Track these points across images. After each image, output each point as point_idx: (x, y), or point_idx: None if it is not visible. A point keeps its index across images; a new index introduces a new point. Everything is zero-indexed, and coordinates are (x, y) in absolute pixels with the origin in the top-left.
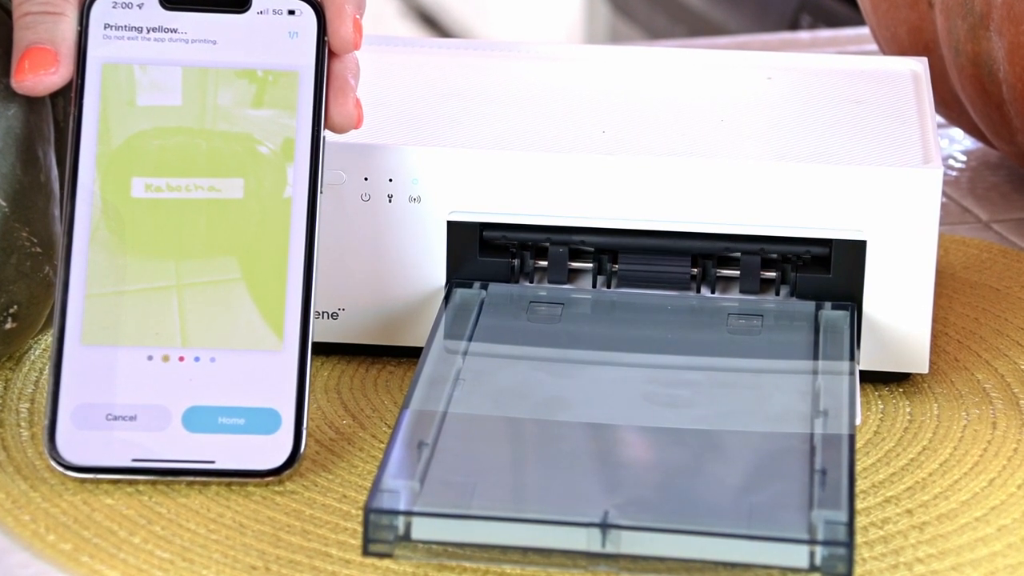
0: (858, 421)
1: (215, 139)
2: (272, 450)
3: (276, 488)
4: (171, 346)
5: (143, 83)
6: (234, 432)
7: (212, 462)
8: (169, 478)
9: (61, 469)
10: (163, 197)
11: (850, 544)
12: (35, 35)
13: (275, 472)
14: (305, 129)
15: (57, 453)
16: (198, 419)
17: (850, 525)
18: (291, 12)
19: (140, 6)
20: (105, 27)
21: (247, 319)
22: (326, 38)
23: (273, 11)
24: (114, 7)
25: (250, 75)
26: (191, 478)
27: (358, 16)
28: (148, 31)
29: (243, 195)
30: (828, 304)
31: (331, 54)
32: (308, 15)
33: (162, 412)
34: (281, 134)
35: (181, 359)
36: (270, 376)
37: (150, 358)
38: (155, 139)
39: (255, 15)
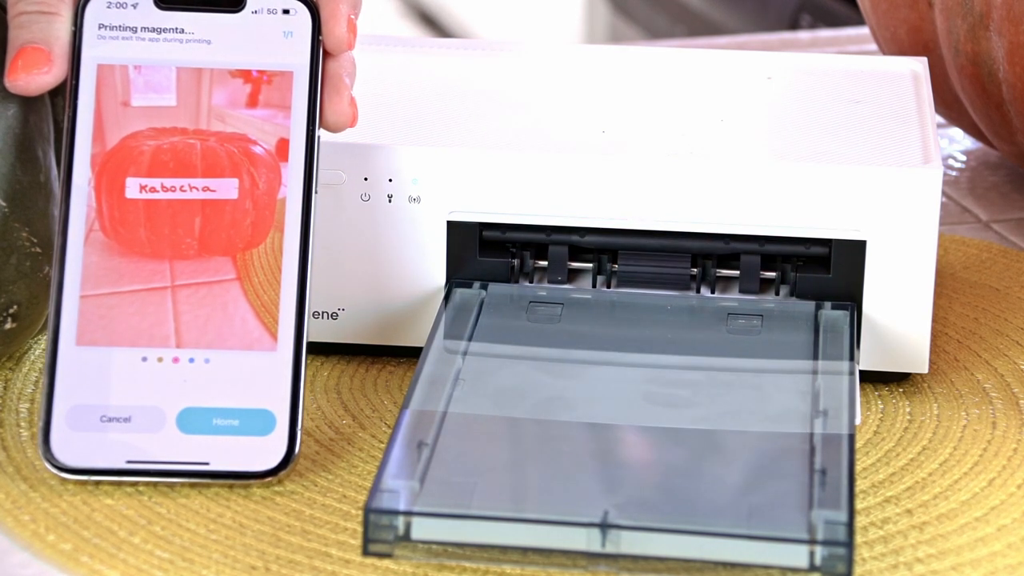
0: (858, 421)
1: (210, 139)
2: (266, 452)
3: (276, 488)
4: (165, 347)
5: (137, 83)
6: (228, 433)
7: (207, 464)
8: (163, 480)
9: (55, 471)
10: (157, 197)
11: (850, 544)
12: (29, 34)
13: (270, 474)
14: (300, 129)
15: (51, 455)
16: (192, 420)
17: (850, 525)
18: (286, 11)
19: (135, 6)
20: (100, 27)
21: (241, 320)
22: (321, 37)
23: (268, 10)
24: (108, 7)
25: (245, 75)
26: (185, 480)
27: (353, 16)
28: (143, 31)
29: (238, 195)
30: (828, 304)
31: (326, 53)
32: (303, 14)
33: (156, 413)
34: (276, 134)
35: (175, 360)
36: (264, 377)
37: (144, 359)
38: (149, 139)
39: (250, 15)
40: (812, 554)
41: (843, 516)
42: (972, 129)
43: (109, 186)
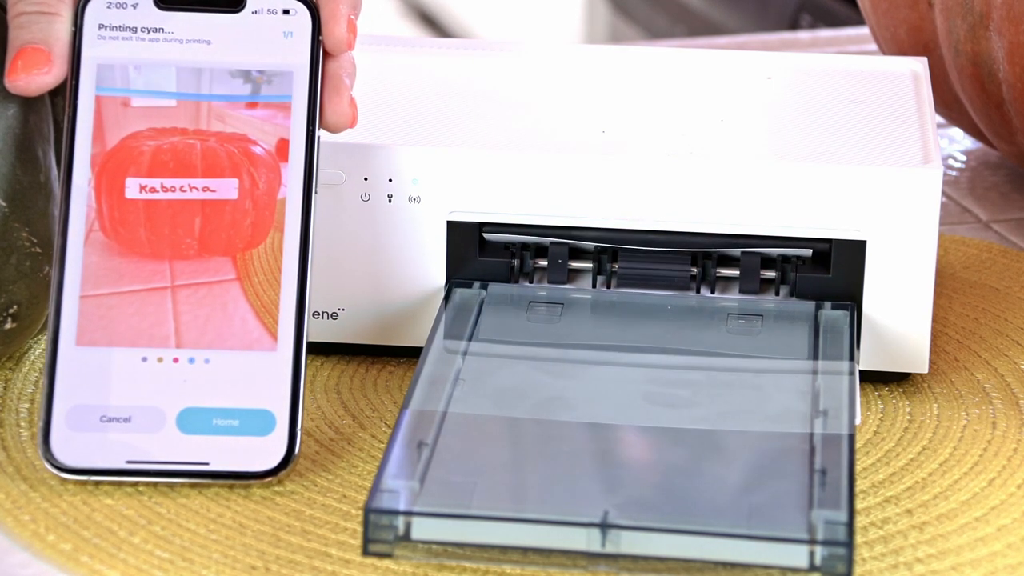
0: (858, 421)
1: (210, 139)
2: (266, 452)
3: (276, 488)
4: (165, 347)
5: (137, 83)
6: (228, 434)
7: (206, 464)
8: (163, 480)
9: (55, 471)
10: (157, 198)
11: (850, 544)
12: (29, 35)
13: (270, 474)
14: (300, 129)
15: (51, 455)
16: (192, 421)
17: (850, 525)
18: (286, 12)
19: (135, 6)
20: (99, 27)
21: (241, 320)
22: (321, 37)
23: (268, 11)
24: (108, 7)
25: (244, 75)
26: (185, 480)
27: (353, 16)
28: (142, 31)
29: (237, 195)
30: (828, 304)
31: (326, 54)
32: (303, 14)
33: (156, 414)
34: (276, 134)
35: (175, 360)
36: (264, 377)
37: (144, 359)
38: (149, 139)
39: (249, 15)
40: (812, 554)
41: (843, 516)
42: (972, 129)
43: (109, 186)
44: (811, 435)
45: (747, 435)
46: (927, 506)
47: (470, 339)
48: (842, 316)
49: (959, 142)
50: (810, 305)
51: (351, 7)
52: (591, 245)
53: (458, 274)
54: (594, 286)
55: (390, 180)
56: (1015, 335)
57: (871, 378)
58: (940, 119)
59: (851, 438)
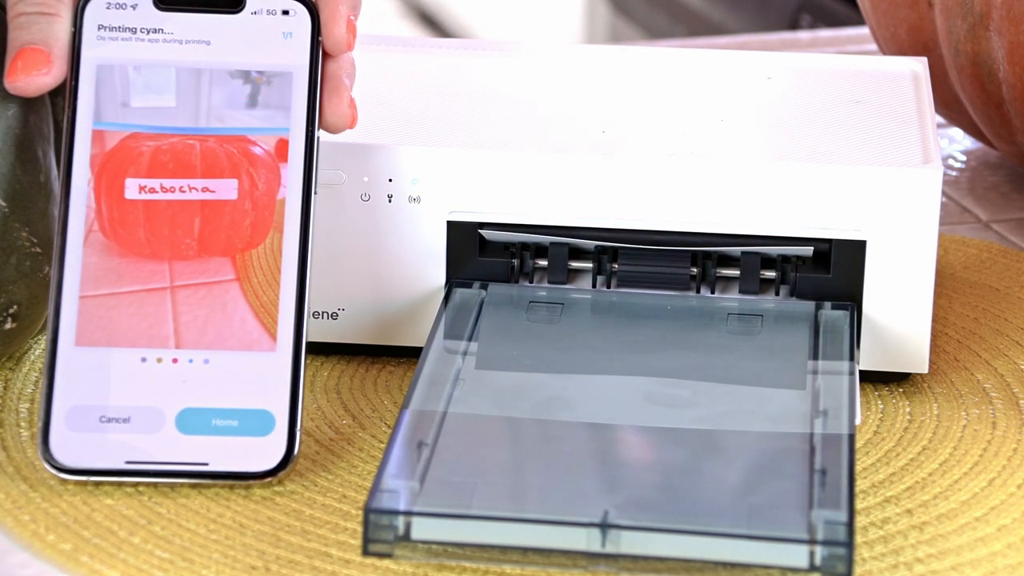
0: (858, 421)
1: (209, 140)
2: (266, 452)
3: (276, 488)
4: (165, 348)
5: (137, 84)
6: (227, 434)
7: (206, 464)
8: (163, 480)
9: (55, 472)
10: (157, 198)
11: (850, 544)
12: (29, 35)
13: (269, 474)
14: (299, 129)
15: (51, 455)
16: (191, 421)
17: (850, 525)
18: (285, 12)
19: (134, 7)
20: (99, 28)
21: (241, 320)
22: (320, 38)
23: (267, 11)
24: (108, 8)
25: (244, 75)
26: (184, 480)
27: (353, 17)
28: (142, 32)
29: (237, 196)
30: (828, 304)
31: (325, 54)
32: (302, 15)
33: (155, 414)
34: (275, 135)
35: (175, 361)
36: (263, 377)
37: (144, 360)
38: (149, 140)
39: (249, 15)
40: (812, 554)
41: (843, 516)
42: (972, 129)
43: (108, 187)
44: (811, 435)
45: (747, 435)
46: (927, 506)
47: (470, 339)
48: (842, 316)
49: (959, 142)
50: (810, 305)
51: (351, 8)
52: (591, 245)
53: (458, 274)
54: (594, 286)
55: (390, 180)
56: (1015, 335)
57: (871, 378)
58: (940, 119)
59: (851, 438)
